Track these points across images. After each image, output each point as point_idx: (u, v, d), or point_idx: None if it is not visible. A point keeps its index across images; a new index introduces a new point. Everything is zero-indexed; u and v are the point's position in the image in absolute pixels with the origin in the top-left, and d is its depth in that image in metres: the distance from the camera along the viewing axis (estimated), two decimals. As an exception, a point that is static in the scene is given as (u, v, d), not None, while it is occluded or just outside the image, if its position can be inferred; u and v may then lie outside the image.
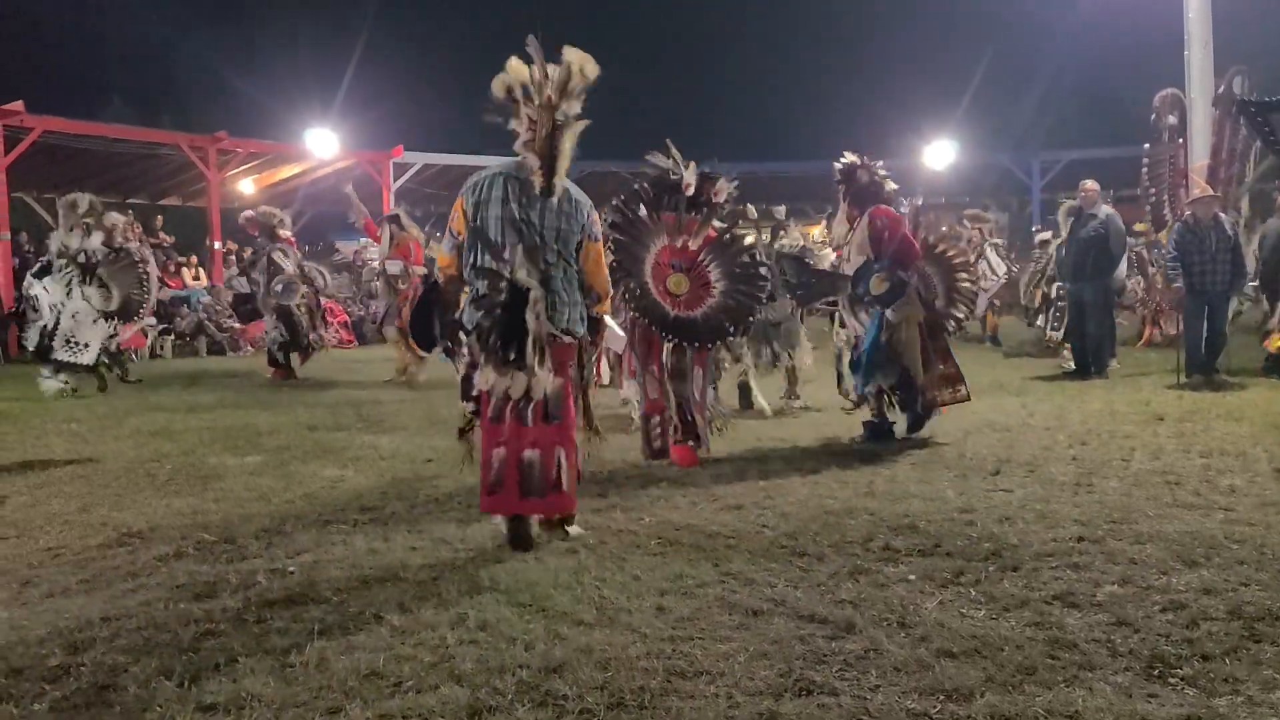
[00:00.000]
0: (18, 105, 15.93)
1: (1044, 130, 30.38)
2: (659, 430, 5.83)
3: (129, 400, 9.65)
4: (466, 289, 4.20)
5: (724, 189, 5.79)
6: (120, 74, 36.65)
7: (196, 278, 19.68)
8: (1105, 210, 9.83)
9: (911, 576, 3.56)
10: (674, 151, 5.75)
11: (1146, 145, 12.00)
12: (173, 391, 10.44)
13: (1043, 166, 26.52)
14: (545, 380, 4.04)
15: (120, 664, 2.90)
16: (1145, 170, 11.77)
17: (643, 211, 5.69)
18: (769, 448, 6.16)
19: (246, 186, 21.61)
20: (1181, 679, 2.69)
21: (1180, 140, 11.57)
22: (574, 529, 4.21)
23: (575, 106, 3.98)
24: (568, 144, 4.01)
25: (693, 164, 5.72)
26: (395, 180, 22.66)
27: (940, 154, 25.95)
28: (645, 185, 5.76)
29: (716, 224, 5.80)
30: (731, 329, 5.90)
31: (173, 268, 19.97)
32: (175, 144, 19.33)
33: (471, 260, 4.10)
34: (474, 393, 4.24)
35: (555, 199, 4.11)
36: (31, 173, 18.81)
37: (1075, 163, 24.06)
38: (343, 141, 21.12)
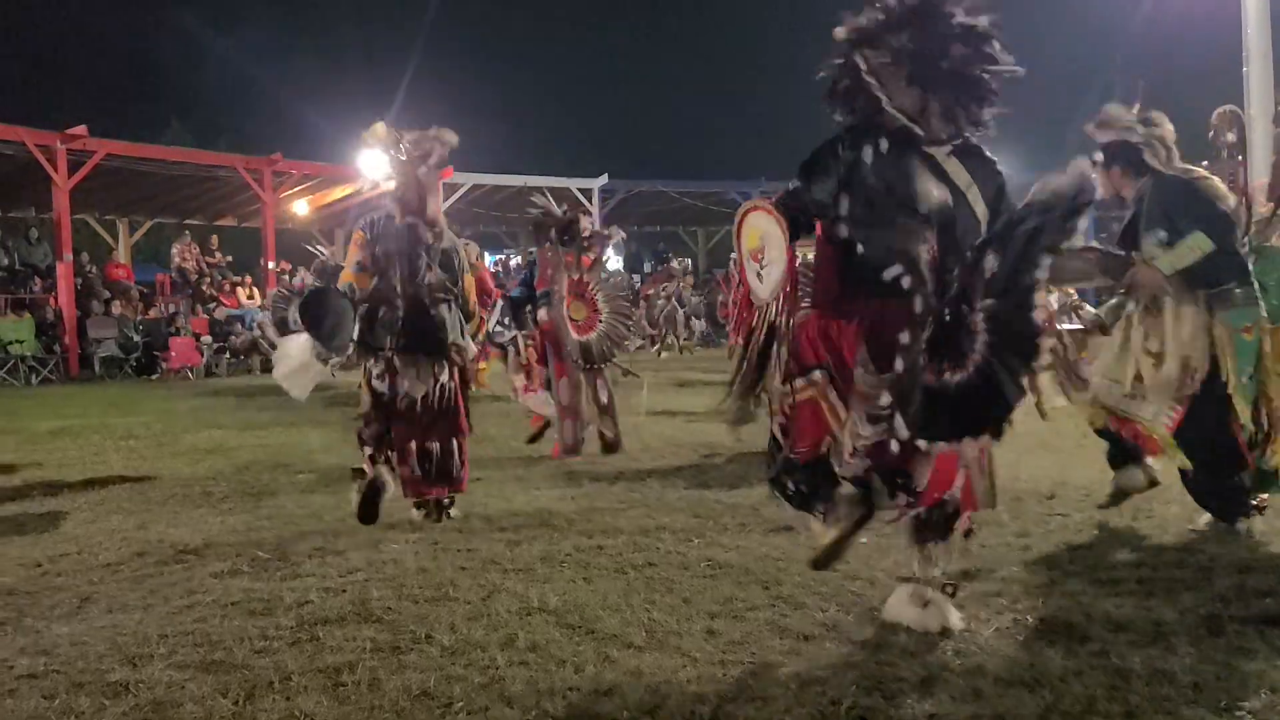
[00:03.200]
0: (81, 130, 16.40)
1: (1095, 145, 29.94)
2: (571, 432, 6.88)
3: (185, 418, 9.85)
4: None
5: (588, 225, 7.25)
6: (179, 98, 37.61)
7: (251, 297, 20.05)
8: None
9: (966, 602, 3.49)
10: (548, 197, 7.31)
11: (1205, 163, 11.78)
12: (227, 409, 10.64)
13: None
14: (446, 385, 5.02)
15: (177, 680, 2.94)
16: (1204, 188, 11.55)
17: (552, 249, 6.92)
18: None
19: (300, 207, 22.02)
20: (1249, 713, 2.61)
21: (1240, 158, 11.34)
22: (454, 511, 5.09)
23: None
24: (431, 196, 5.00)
25: (564, 205, 7.24)
26: (445, 201, 22.91)
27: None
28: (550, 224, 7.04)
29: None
30: (611, 352, 7.07)
31: (228, 287, 20.38)
32: (232, 166, 19.78)
33: (377, 286, 4.89)
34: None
35: (434, 237, 4.99)
36: (93, 195, 19.35)
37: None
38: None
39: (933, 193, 3.12)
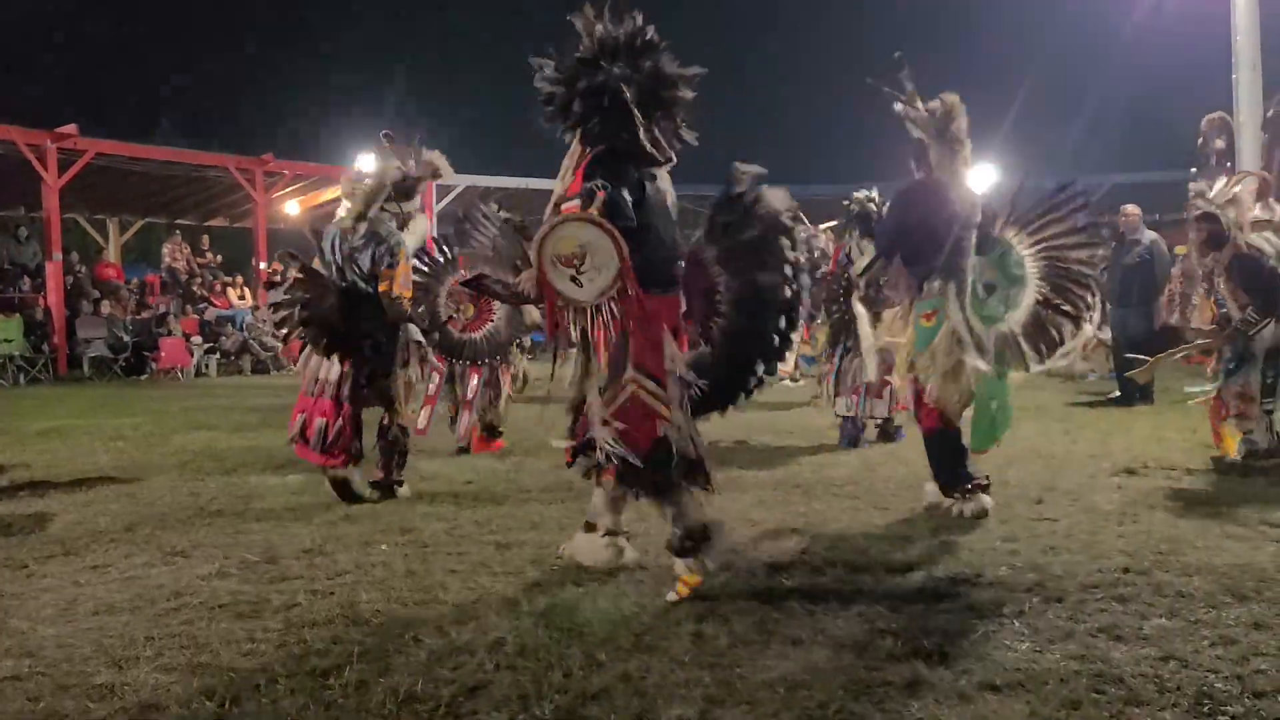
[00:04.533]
0: (71, 128, 16.34)
1: (1088, 153, 30.10)
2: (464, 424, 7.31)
3: (175, 420, 9.81)
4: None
5: None
6: (170, 97, 37.51)
7: (242, 297, 19.99)
8: (1149, 235, 9.70)
9: (954, 607, 3.51)
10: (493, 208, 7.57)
11: (1193, 170, 11.85)
12: (217, 411, 10.60)
13: (1087, 190, 26.24)
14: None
15: (163, 683, 2.93)
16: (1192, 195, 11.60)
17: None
18: (809, 474, 6.12)
19: (292, 208, 21.97)
20: (1231, 717, 2.62)
21: (1228, 165, 11.40)
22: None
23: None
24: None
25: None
26: (438, 202, 22.89)
27: (982, 176, 25.80)
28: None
29: None
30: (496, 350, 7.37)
31: (219, 287, 20.32)
32: (223, 166, 19.72)
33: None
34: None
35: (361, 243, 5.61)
36: (83, 194, 19.27)
37: (1120, 186, 23.76)
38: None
39: (655, 198, 3.76)
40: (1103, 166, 26.87)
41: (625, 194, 3.60)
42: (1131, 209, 9.82)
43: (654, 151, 3.76)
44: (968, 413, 4.99)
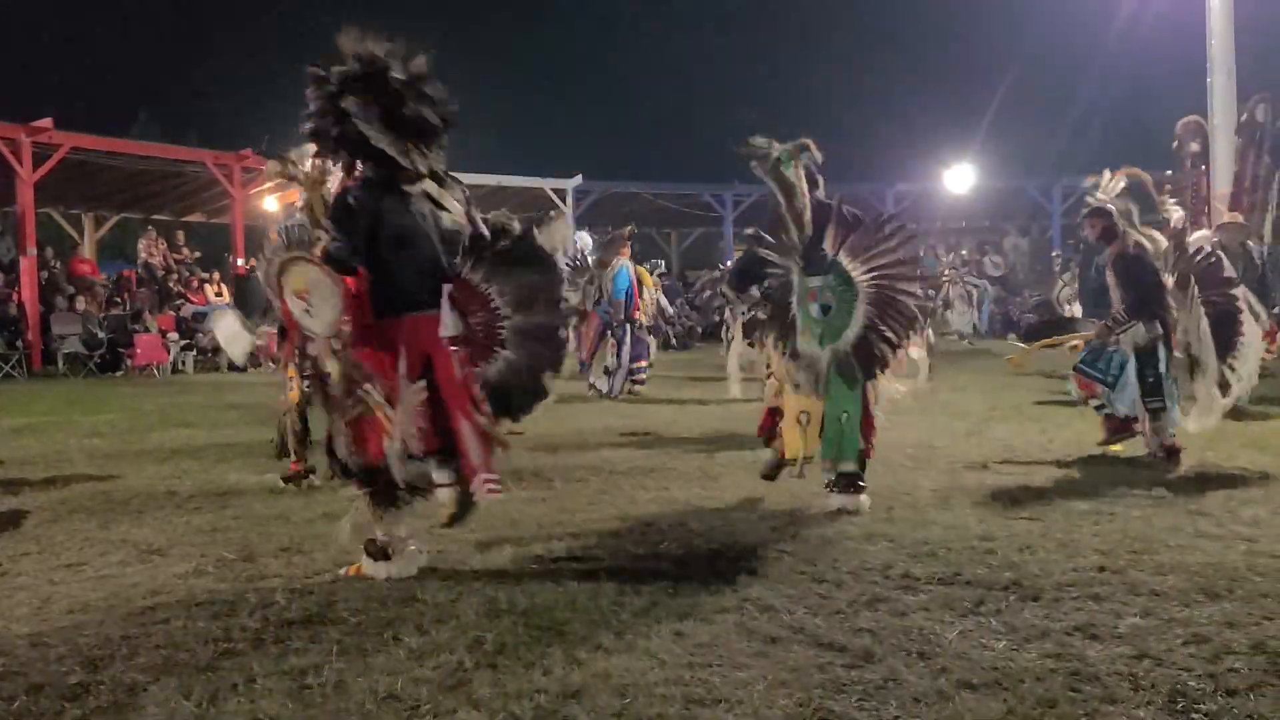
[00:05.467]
0: (46, 122, 16.16)
1: (1066, 155, 30.35)
2: None
3: (151, 417, 9.74)
4: None
5: None
6: (147, 91, 37.16)
7: (219, 294, 19.83)
8: None
9: (931, 605, 3.53)
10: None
11: (1169, 172, 11.99)
12: (194, 408, 10.52)
13: (1064, 192, 26.44)
14: None
15: (139, 683, 2.91)
16: (1168, 197, 11.73)
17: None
18: (786, 473, 6.13)
19: (271, 204, 21.82)
20: (1205, 715, 2.66)
21: (1203, 167, 11.55)
22: None
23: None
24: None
25: None
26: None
27: (961, 178, 25.93)
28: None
29: None
30: None
31: (195, 284, 20.15)
32: (201, 161, 19.55)
33: None
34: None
35: None
36: (58, 189, 19.07)
37: (1097, 188, 23.97)
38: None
39: (406, 223, 3.95)
40: (1082, 168, 27.10)
41: (347, 240, 3.84)
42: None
43: (406, 173, 3.95)
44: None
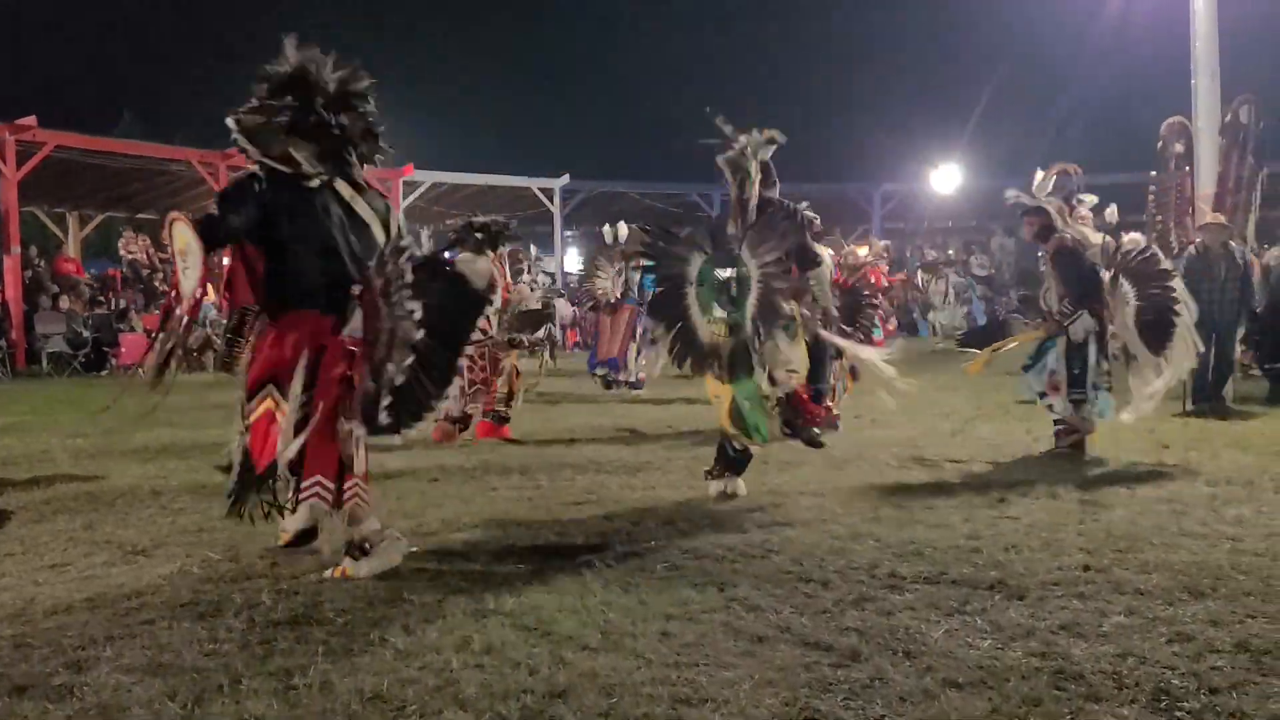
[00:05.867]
0: (30, 120, 16.04)
1: (1051, 156, 30.42)
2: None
3: (135, 416, 9.66)
4: None
5: None
6: (132, 89, 36.94)
7: (206, 293, 19.71)
8: (1097, 238, 9.82)
9: (917, 605, 3.55)
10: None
11: (1153, 173, 12.05)
12: (179, 407, 10.45)
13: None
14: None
15: (124, 684, 2.89)
16: (1152, 198, 11.79)
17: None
18: (775, 472, 6.15)
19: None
20: (1188, 713, 2.67)
21: (1187, 168, 11.60)
22: None
23: None
24: None
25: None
26: (405, 198, 22.75)
27: (946, 179, 26.03)
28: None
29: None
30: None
31: (180, 283, 20.04)
32: (186, 160, 19.43)
33: None
34: None
35: None
36: (42, 187, 18.94)
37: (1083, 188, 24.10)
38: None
39: (324, 221, 3.99)
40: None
41: (230, 214, 3.93)
42: (1085, 215, 9.95)
43: (315, 175, 4.07)
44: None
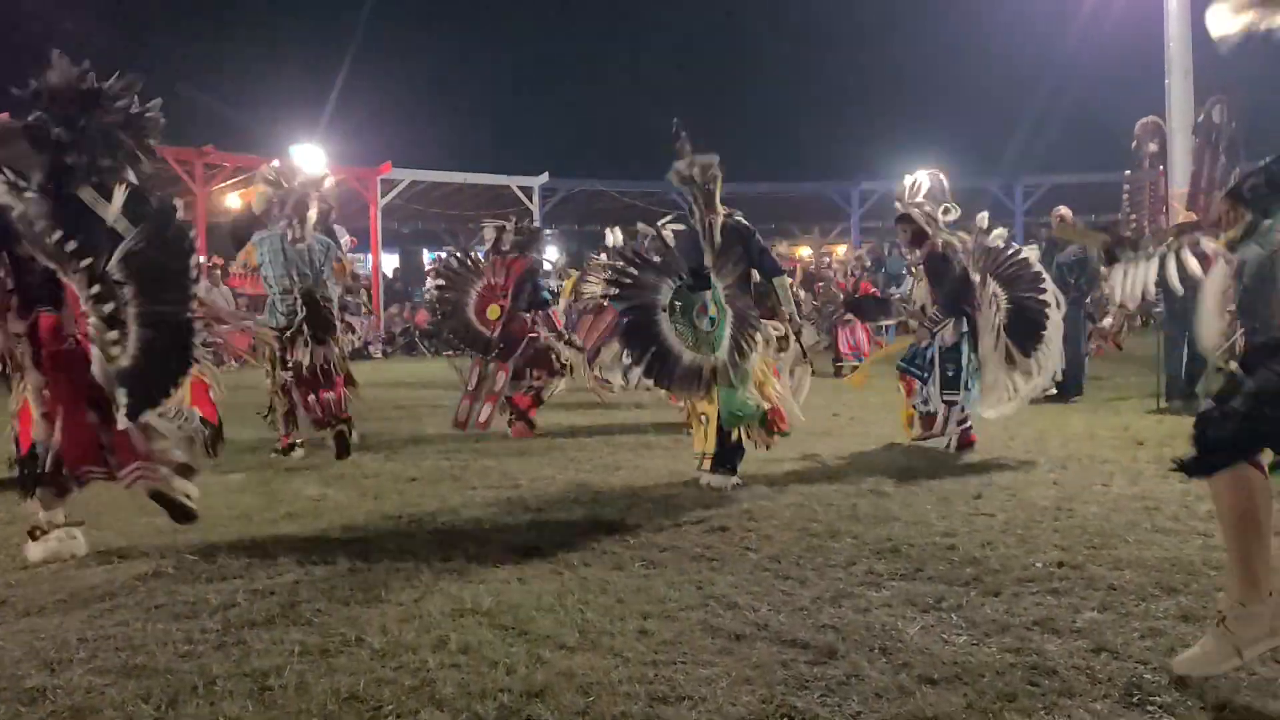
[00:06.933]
0: (2, 117, 15.86)
1: (1027, 155, 30.68)
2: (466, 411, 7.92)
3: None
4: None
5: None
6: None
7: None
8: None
9: (893, 601, 3.57)
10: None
11: (1127, 172, 12.16)
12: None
13: (1026, 191, 26.75)
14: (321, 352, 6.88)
15: (97, 686, 2.87)
16: (1126, 196, 11.92)
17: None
18: (753, 469, 6.16)
19: (233, 200, 21.59)
20: (1160, 706, 2.70)
21: (1160, 167, 11.72)
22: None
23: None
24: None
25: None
26: (382, 197, 22.67)
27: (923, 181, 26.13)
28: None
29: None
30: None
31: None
32: (161, 156, 19.24)
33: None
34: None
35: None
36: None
37: (1058, 187, 24.33)
38: (329, 157, 21.09)
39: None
40: (1043, 168, 27.44)
41: None
42: (1064, 211, 10.05)
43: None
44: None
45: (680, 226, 6.05)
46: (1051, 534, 4.49)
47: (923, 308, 7.11)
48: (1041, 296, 6.73)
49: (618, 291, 5.57)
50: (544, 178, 25.36)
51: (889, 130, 31.74)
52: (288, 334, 6.78)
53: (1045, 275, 6.93)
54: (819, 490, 5.55)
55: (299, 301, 6.80)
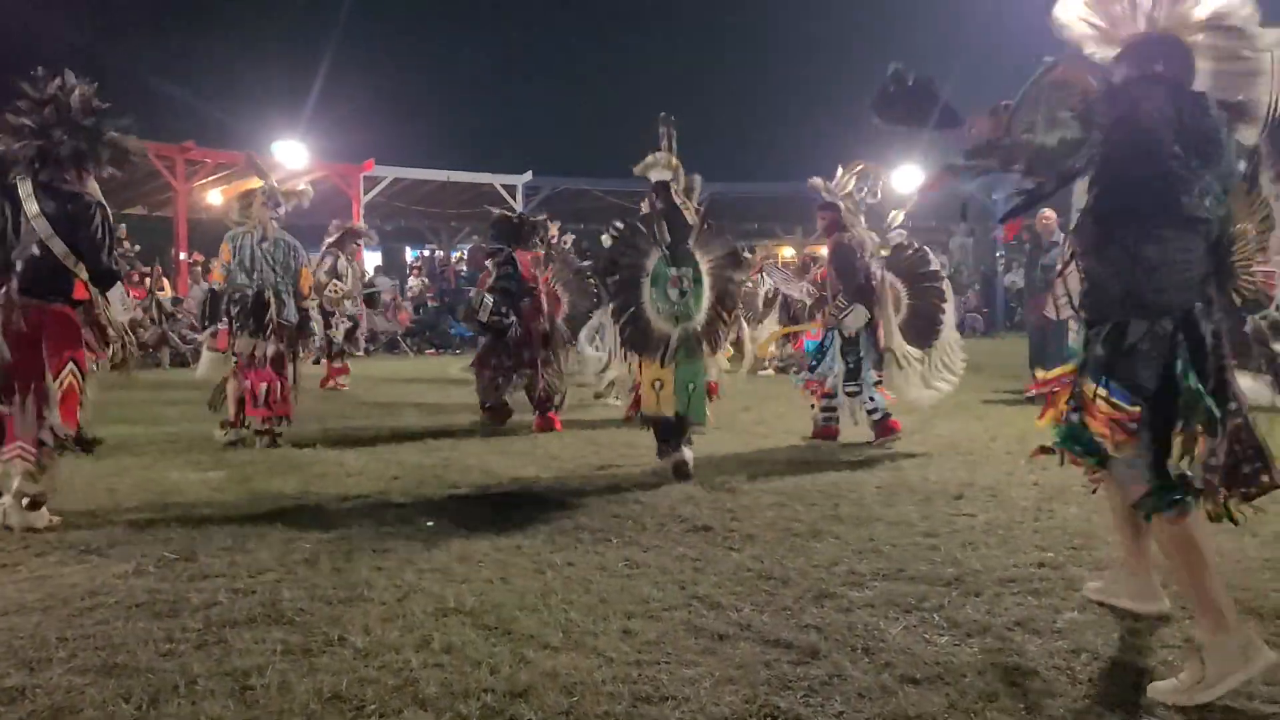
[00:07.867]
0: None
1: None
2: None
3: (89, 412, 9.50)
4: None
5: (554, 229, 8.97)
6: (86, 81, 36.16)
7: (161, 289, 19.42)
8: (1063, 238, 9.97)
9: (875, 602, 3.59)
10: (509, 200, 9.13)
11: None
12: (134, 404, 10.30)
13: (1008, 193, 26.86)
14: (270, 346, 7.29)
15: (77, 685, 2.85)
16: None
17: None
18: (736, 469, 6.18)
19: (214, 197, 21.45)
20: (1139, 706, 2.73)
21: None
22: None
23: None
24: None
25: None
26: (365, 194, 22.56)
27: (907, 178, 26.25)
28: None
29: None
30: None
31: (136, 277, 19.73)
32: (137, 153, 19.11)
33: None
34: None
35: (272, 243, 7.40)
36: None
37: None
38: (312, 153, 20.99)
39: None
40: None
41: None
42: (1049, 213, 10.10)
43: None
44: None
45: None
46: (1032, 535, 4.52)
47: (830, 296, 7.39)
48: (939, 292, 7.25)
49: (618, 249, 6.04)
50: (528, 176, 25.31)
51: (870, 130, 31.80)
52: (235, 326, 7.33)
53: (943, 272, 7.46)
54: (801, 490, 5.56)
55: (248, 298, 7.29)
